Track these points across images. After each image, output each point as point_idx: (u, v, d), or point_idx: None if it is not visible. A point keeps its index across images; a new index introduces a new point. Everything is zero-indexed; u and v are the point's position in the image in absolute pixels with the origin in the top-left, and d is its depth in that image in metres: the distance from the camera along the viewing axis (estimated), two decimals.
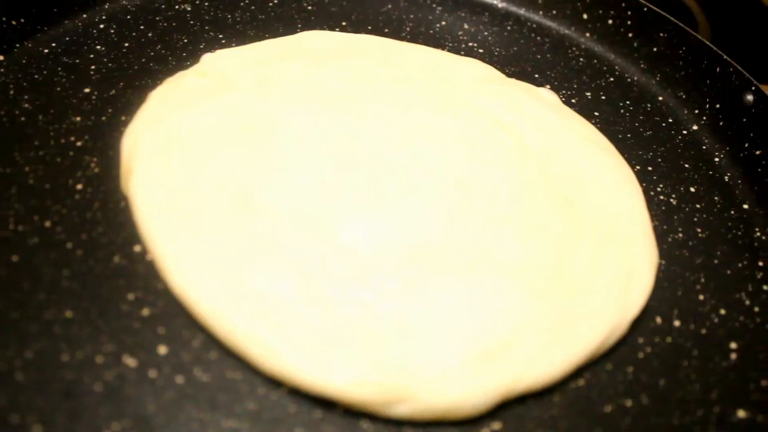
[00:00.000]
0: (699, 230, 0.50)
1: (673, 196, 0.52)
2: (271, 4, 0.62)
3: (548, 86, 0.58)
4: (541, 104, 0.54)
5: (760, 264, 0.48)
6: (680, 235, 0.49)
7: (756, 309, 0.46)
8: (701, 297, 0.46)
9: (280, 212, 0.43)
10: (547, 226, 0.46)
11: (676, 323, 0.44)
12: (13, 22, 0.53)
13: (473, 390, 0.37)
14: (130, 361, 0.37)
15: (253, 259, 0.41)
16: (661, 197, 0.51)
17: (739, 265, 0.48)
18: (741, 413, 0.40)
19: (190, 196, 0.44)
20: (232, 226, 0.42)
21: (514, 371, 0.38)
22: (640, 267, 0.45)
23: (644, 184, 0.51)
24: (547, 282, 0.43)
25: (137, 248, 0.42)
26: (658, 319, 0.44)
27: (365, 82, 0.53)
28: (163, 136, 0.47)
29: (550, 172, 0.49)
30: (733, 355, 0.43)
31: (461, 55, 0.60)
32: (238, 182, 0.45)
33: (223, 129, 0.48)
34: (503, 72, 0.58)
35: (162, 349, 0.38)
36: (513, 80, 0.57)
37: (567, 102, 0.57)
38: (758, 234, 0.50)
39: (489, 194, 0.46)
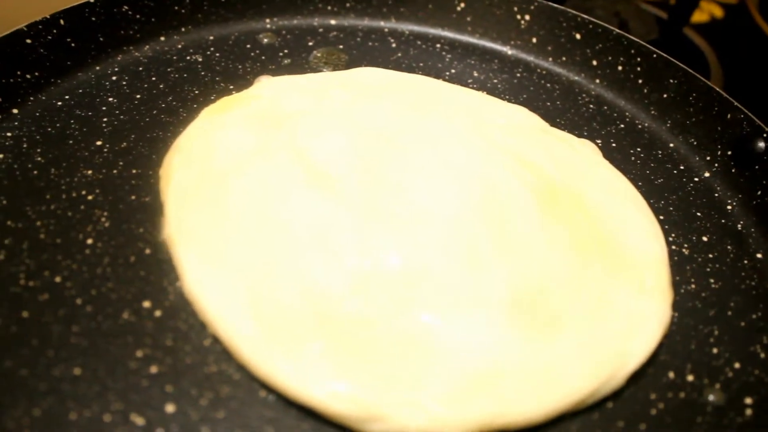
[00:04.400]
0: (712, 281, 0.49)
1: (686, 245, 0.51)
2: (281, 54, 0.63)
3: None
4: (575, 153, 0.55)
5: None
6: (693, 286, 0.49)
7: None
8: (715, 350, 0.45)
9: (297, 232, 0.45)
10: (556, 264, 0.45)
11: (690, 378, 0.43)
12: (28, 76, 0.54)
13: (446, 418, 0.38)
14: (138, 420, 0.37)
15: (269, 274, 0.43)
16: (674, 247, 0.51)
17: (753, 316, 0.47)
18: None
19: (218, 204, 0.47)
20: (256, 246, 0.44)
21: (493, 407, 0.39)
22: (649, 319, 0.44)
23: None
24: (547, 321, 0.43)
25: (146, 304, 0.42)
26: (671, 374, 0.43)
27: (407, 117, 0.54)
28: (204, 150, 0.50)
29: (571, 214, 0.49)
30: (749, 411, 0.42)
31: None
32: (267, 203, 0.46)
33: (262, 150, 0.50)
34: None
35: (170, 408, 0.38)
36: (554, 129, 0.57)
37: None
38: None
39: (500, 230, 0.46)
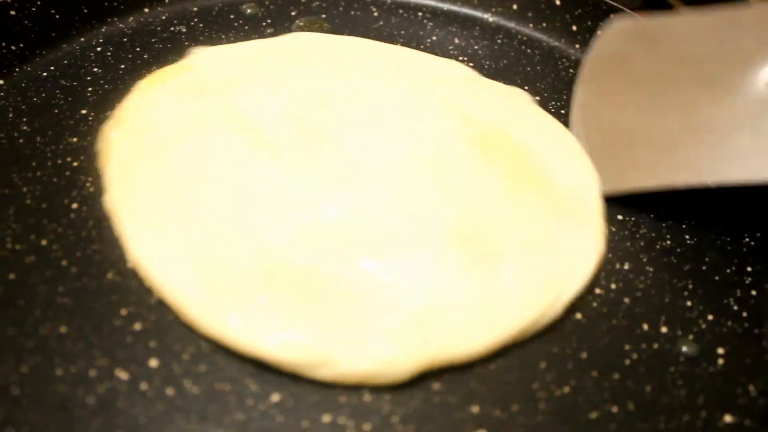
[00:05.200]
0: (687, 237, 0.50)
1: (661, 204, 0.52)
2: (264, 24, 0.63)
3: (526, 88, 0.60)
4: (507, 100, 0.57)
5: (749, 269, 0.49)
6: (668, 242, 0.50)
7: (744, 314, 0.46)
8: (689, 303, 0.46)
9: (239, 193, 0.46)
10: (494, 203, 0.48)
11: (663, 329, 0.44)
12: (13, 47, 0.55)
13: (392, 357, 0.39)
14: (122, 375, 0.38)
15: (212, 234, 0.44)
16: (649, 204, 0.51)
17: (728, 270, 0.48)
18: (728, 418, 0.41)
19: (158, 174, 0.47)
20: (199, 210, 0.45)
21: (436, 342, 0.40)
22: (584, 251, 0.47)
23: (632, 196, 0.51)
24: (486, 258, 0.44)
25: (130, 265, 0.43)
26: (645, 326, 0.44)
27: (340, 78, 0.56)
28: (141, 122, 0.51)
29: (506, 157, 0.51)
30: (721, 361, 0.43)
31: None
32: (208, 168, 0.47)
33: (199, 119, 0.51)
34: None
35: (153, 362, 0.39)
36: (484, 78, 0.59)
37: (556, 113, 0.58)
38: (747, 239, 0.50)
39: (438, 175, 0.49)
